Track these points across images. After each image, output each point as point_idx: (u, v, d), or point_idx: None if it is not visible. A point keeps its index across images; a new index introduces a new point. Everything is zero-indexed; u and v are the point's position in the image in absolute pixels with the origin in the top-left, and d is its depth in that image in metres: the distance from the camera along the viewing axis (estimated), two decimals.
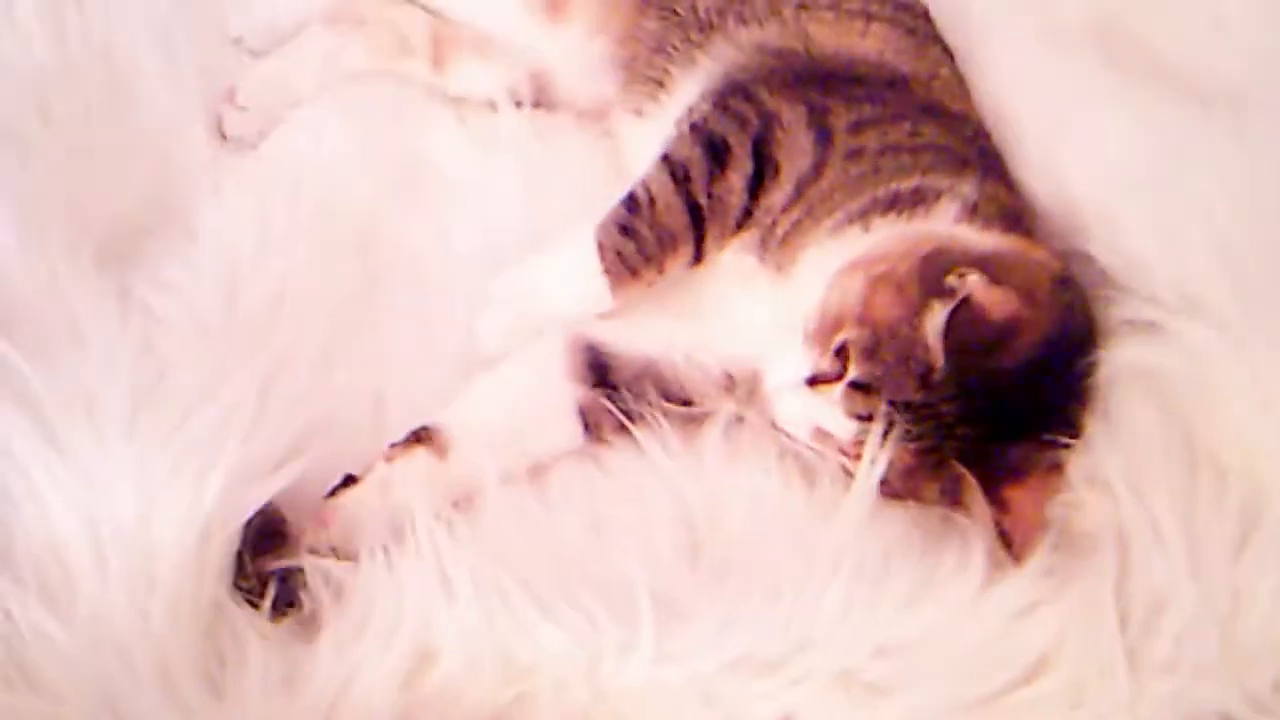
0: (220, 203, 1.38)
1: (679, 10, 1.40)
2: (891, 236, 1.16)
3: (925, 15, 1.40)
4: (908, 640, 1.04)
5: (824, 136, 1.23)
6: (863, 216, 1.19)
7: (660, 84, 1.39)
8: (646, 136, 1.35)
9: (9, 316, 1.15)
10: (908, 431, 1.08)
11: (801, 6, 1.36)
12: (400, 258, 1.39)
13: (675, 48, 1.39)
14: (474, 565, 1.05)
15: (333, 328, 1.30)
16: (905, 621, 1.05)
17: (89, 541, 1.01)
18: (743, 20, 1.36)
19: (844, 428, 1.11)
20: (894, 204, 1.19)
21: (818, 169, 1.22)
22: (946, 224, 1.19)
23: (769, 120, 1.24)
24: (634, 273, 1.20)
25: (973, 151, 1.28)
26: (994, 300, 1.06)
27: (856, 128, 1.24)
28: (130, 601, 1.01)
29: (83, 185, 1.33)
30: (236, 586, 1.06)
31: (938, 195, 1.20)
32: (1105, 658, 1.04)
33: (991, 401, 1.08)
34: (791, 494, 1.20)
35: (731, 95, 1.29)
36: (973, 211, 1.20)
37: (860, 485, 1.12)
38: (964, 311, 1.06)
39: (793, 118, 1.24)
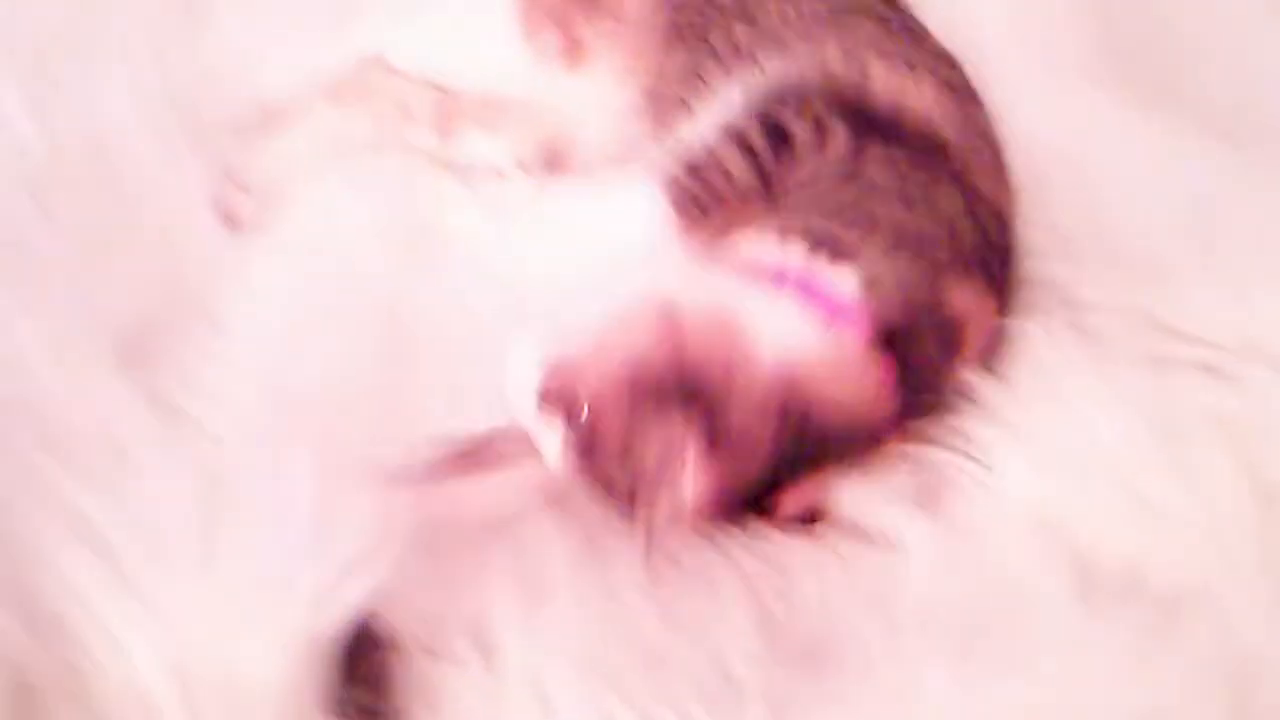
0: (242, 291, 1.34)
1: (710, 40, 1.37)
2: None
3: (960, 68, 1.37)
4: (1019, 713, 1.02)
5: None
6: (784, 236, 1.17)
7: (687, 108, 1.36)
8: None
9: (52, 437, 1.11)
10: None
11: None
12: (427, 332, 1.36)
13: (703, 78, 1.36)
14: (573, 682, 1.01)
15: (372, 415, 1.26)
16: (1014, 700, 1.03)
17: (179, 689, 0.97)
18: (782, 45, 1.33)
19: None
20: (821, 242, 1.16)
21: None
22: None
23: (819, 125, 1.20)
24: (704, 212, 1.16)
25: (970, 241, 1.21)
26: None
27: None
28: None
29: (96, 287, 1.30)
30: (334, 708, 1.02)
31: (853, 255, 1.16)
32: (1215, 713, 1.02)
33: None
34: (853, 558, 1.17)
35: (783, 100, 1.25)
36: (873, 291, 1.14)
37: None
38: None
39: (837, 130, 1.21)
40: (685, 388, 1.06)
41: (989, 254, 1.22)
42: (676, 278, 1.16)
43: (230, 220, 1.42)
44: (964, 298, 1.18)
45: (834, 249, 1.15)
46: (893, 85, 1.28)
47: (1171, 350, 1.20)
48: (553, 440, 1.10)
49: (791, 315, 1.13)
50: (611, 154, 1.46)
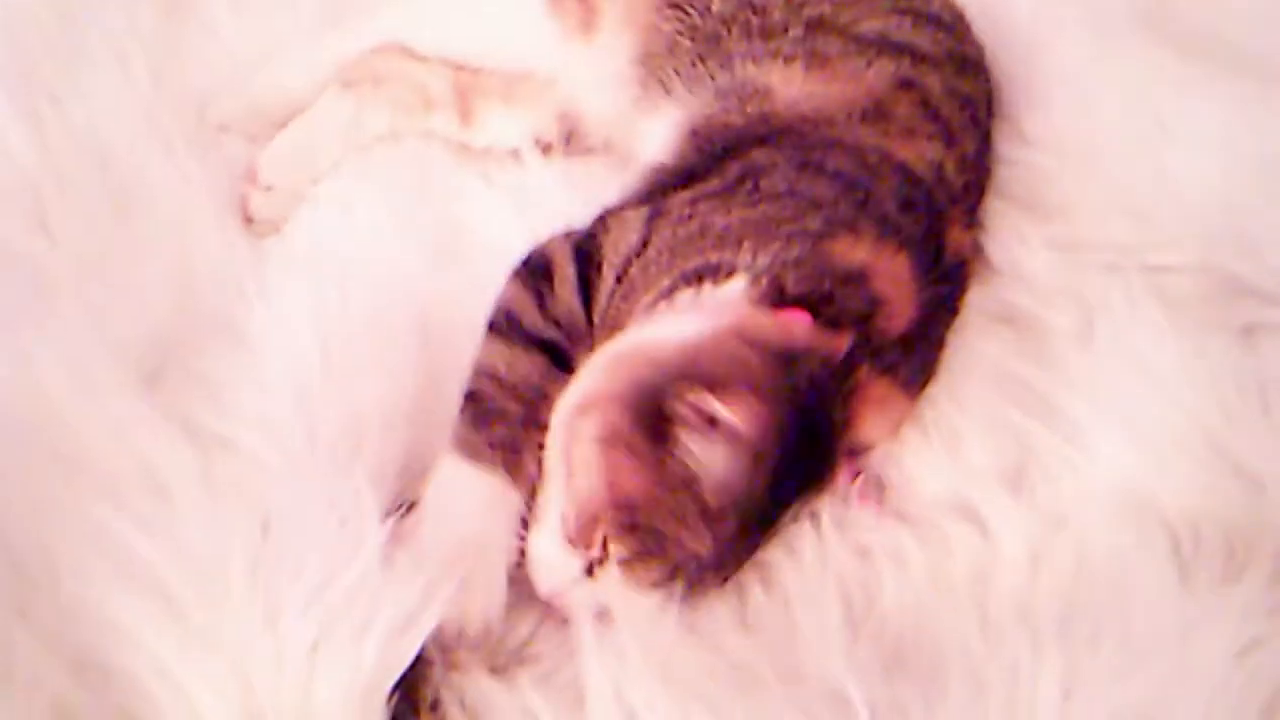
0: (263, 302, 1.27)
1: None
2: (597, 367, 1.06)
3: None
4: (1134, 713, 0.97)
5: (656, 211, 1.17)
6: (669, 294, 1.11)
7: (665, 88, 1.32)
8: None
9: (88, 475, 1.05)
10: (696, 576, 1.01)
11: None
12: (459, 334, 1.27)
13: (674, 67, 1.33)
14: (665, 705, 0.95)
15: (412, 425, 1.18)
16: (1125, 693, 0.97)
17: None
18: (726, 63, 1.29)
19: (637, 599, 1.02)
20: (699, 277, 1.11)
21: (643, 243, 1.15)
22: (738, 302, 1.09)
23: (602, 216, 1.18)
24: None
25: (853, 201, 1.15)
26: (738, 414, 0.98)
27: (703, 195, 1.18)
28: None
29: (107, 305, 1.23)
30: None
31: (730, 271, 1.11)
32: None
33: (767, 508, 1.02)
34: (928, 555, 1.11)
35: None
36: (757, 285, 1.09)
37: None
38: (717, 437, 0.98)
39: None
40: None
41: (890, 206, 1.16)
42: None
43: (252, 222, 1.35)
44: (857, 252, 1.11)
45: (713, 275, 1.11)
46: (793, 92, 1.24)
47: (1256, 313, 1.15)
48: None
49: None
50: (615, 136, 1.41)
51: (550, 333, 1.15)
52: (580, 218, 1.29)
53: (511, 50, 1.40)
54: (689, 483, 0.98)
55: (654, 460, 0.99)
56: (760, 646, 1.06)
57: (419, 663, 1.00)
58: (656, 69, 1.34)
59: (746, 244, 1.11)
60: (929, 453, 1.15)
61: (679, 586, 1.00)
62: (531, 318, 1.15)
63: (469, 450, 1.08)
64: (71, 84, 1.41)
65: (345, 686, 0.94)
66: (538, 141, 1.43)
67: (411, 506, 1.07)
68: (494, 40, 1.41)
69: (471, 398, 1.11)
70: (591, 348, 1.12)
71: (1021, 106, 1.32)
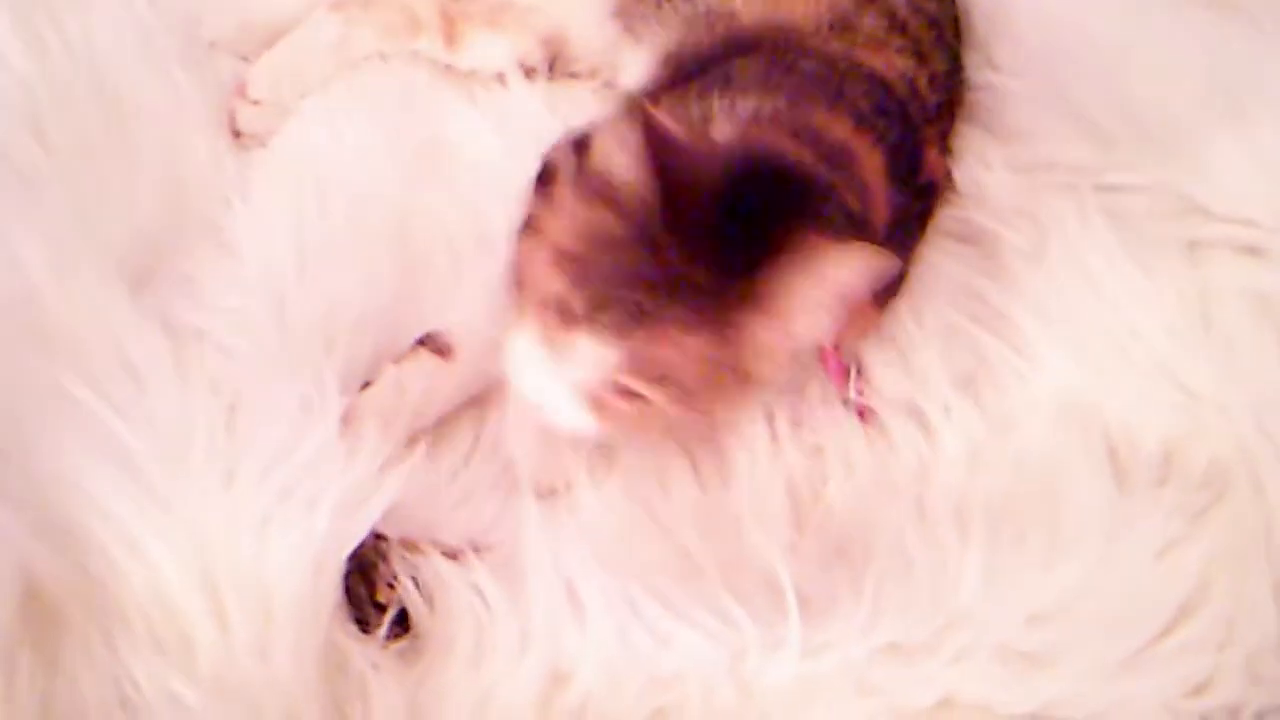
0: (248, 209, 1.31)
1: None
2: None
3: None
4: (1055, 603, 1.01)
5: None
6: None
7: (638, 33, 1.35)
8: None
9: (67, 357, 1.09)
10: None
11: None
12: (437, 245, 1.32)
13: None
14: (600, 579, 0.99)
15: (383, 328, 1.22)
16: (1048, 583, 1.01)
17: (205, 594, 0.96)
18: None
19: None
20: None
21: None
22: None
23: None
24: None
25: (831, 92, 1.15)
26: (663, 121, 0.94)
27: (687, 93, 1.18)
28: (252, 651, 0.96)
29: (98, 209, 1.26)
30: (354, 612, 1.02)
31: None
32: (1253, 592, 1.02)
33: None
34: (875, 455, 1.15)
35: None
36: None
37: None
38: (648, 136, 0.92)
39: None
40: None
41: (864, 105, 1.15)
42: None
43: (240, 135, 1.38)
44: (836, 128, 1.11)
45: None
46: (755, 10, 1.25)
47: (1206, 231, 1.18)
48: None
49: None
50: (600, 63, 1.43)
51: None
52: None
53: None
54: (610, 203, 0.95)
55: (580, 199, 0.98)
56: (706, 535, 1.09)
57: (377, 541, 1.04)
58: (631, 16, 1.36)
59: (720, 102, 1.10)
60: (883, 356, 1.18)
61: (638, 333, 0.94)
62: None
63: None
64: (70, 2, 1.44)
65: (296, 553, 0.98)
66: (521, 65, 1.45)
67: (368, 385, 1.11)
68: None
69: None
70: None
71: (989, 34, 1.34)
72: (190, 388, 1.09)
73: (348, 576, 1.03)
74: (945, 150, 1.28)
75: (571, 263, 0.95)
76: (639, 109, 0.93)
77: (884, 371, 1.17)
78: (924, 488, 1.09)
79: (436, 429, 1.15)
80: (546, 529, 1.06)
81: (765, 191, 0.97)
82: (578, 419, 0.99)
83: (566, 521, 1.08)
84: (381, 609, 1.02)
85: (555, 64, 1.47)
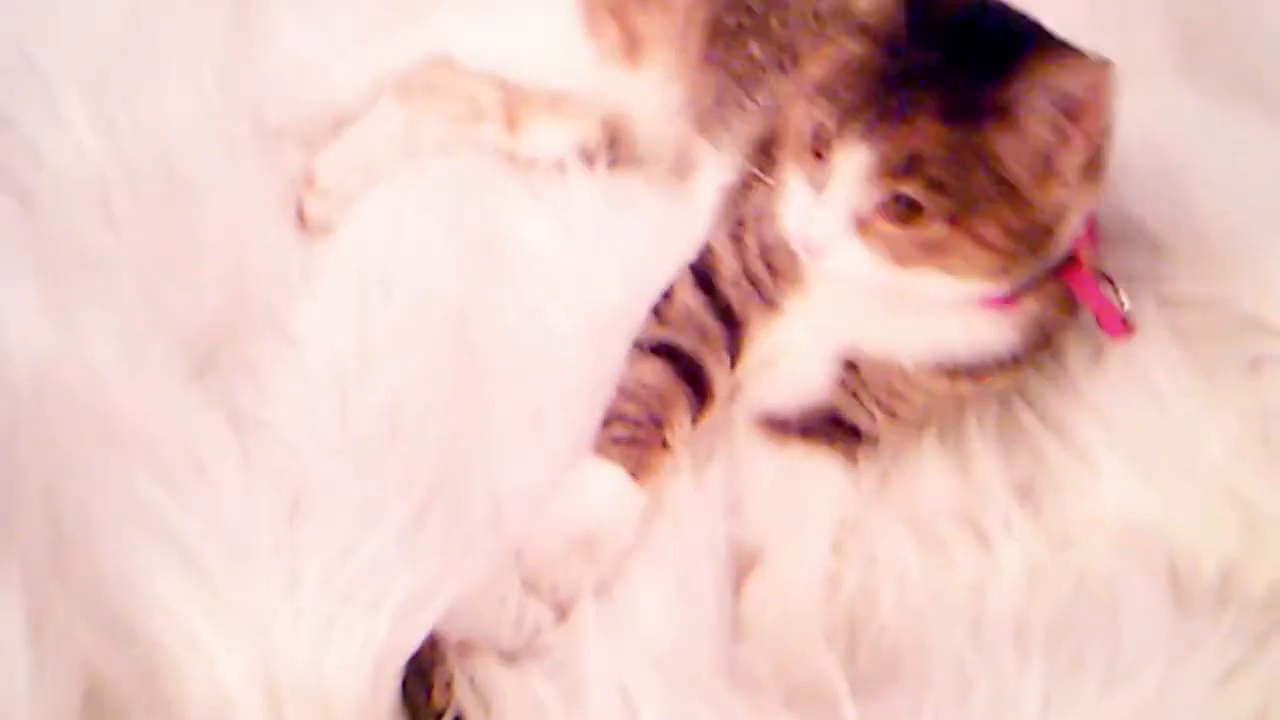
0: (311, 299, 1.33)
1: (734, 65, 1.35)
2: None
3: None
4: None
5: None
6: None
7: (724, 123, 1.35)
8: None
9: (131, 447, 1.11)
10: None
11: None
12: (499, 343, 1.33)
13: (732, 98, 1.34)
14: (657, 687, 1.00)
15: (446, 428, 1.23)
16: (1108, 711, 1.00)
17: (264, 696, 0.97)
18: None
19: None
20: None
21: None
22: None
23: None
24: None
25: None
26: None
27: None
28: None
29: (165, 295, 1.28)
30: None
31: None
32: None
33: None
34: (932, 564, 1.15)
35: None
36: None
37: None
38: None
39: None
40: None
41: None
42: None
43: (307, 224, 1.41)
44: None
45: None
46: None
47: (1268, 347, 1.17)
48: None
49: None
50: (664, 151, 1.45)
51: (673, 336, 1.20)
52: (620, 231, 1.38)
53: (552, 72, 1.44)
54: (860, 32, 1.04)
55: None
56: (761, 648, 1.09)
57: (434, 643, 1.05)
58: (704, 116, 1.38)
59: None
60: (940, 460, 1.18)
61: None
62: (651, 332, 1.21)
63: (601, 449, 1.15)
64: (143, 86, 1.47)
65: (357, 657, 0.98)
66: (582, 151, 1.47)
67: None
68: (535, 61, 1.45)
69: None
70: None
71: None
72: (255, 481, 1.10)
73: (404, 679, 1.02)
74: None
75: (825, 92, 1.01)
76: None
77: (939, 481, 1.16)
78: (981, 607, 1.08)
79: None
80: (603, 633, 1.06)
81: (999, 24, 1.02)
82: (852, 255, 1.01)
83: (624, 626, 1.07)
84: (439, 714, 1.01)
85: (617, 148, 1.48)
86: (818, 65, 1.06)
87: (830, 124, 1.00)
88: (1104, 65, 0.97)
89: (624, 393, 1.18)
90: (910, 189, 0.98)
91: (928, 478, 1.18)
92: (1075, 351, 1.20)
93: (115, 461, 1.10)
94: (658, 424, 1.16)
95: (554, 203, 1.46)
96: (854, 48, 1.02)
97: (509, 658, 1.06)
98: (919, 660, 1.07)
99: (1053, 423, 1.18)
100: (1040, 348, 1.15)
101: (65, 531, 1.03)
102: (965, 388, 1.16)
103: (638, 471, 1.14)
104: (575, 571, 1.11)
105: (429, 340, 1.29)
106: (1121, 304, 1.13)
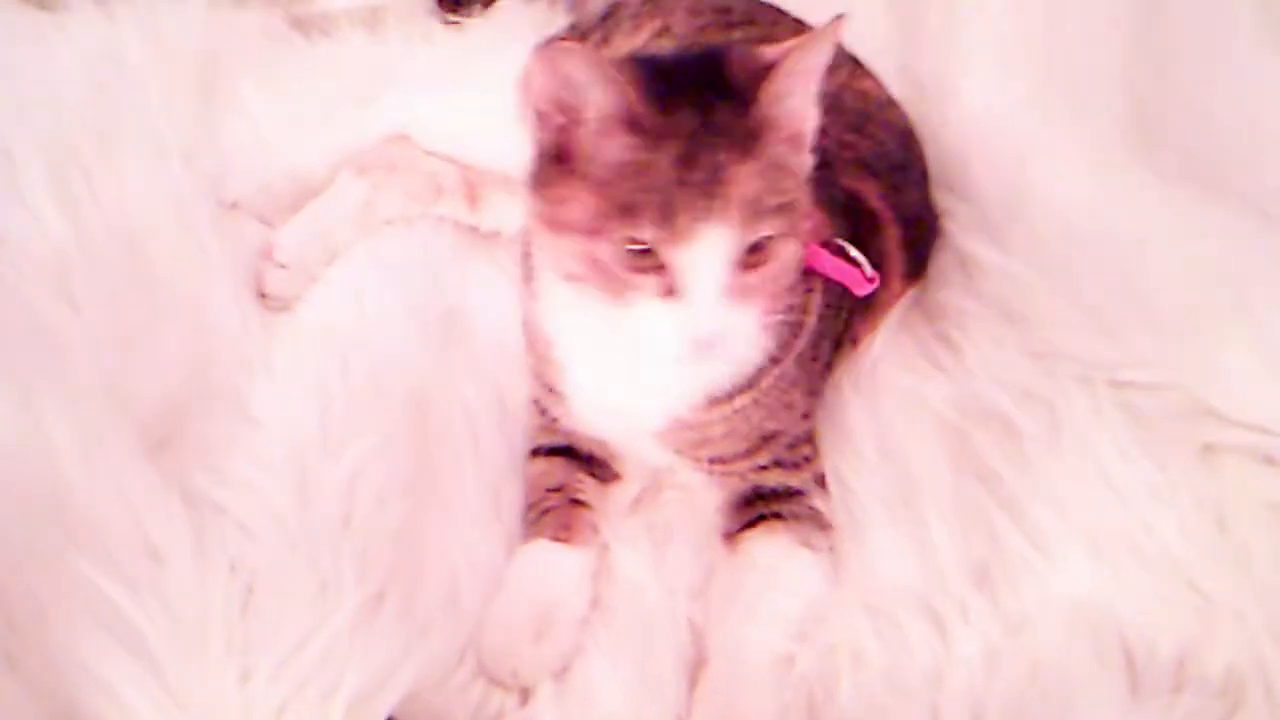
0: (270, 376, 1.32)
1: None
2: None
3: None
4: None
5: None
6: None
7: None
8: None
9: (83, 532, 1.10)
10: None
11: None
12: (458, 420, 1.33)
13: None
14: None
15: (403, 509, 1.23)
16: None
17: None
18: None
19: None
20: None
21: None
22: None
23: None
24: None
25: None
26: None
27: None
28: None
29: (122, 373, 1.28)
30: None
31: None
32: None
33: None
34: (889, 649, 1.14)
35: None
36: None
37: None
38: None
39: None
40: None
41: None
42: None
43: (266, 297, 1.41)
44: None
45: None
46: None
47: (1221, 435, 1.18)
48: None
49: None
50: None
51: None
52: None
53: (496, 152, 1.44)
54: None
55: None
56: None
57: None
58: None
59: None
60: (897, 542, 1.18)
61: None
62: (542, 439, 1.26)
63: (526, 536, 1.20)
64: (106, 162, 1.47)
65: None
66: None
67: None
68: (479, 141, 1.47)
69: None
70: None
71: (1005, 218, 1.37)
72: (209, 566, 1.09)
73: None
74: None
75: (618, 198, 0.98)
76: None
77: (898, 564, 1.17)
78: (938, 693, 1.08)
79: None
80: (557, 714, 1.06)
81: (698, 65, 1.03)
82: (732, 323, 1.00)
83: (577, 710, 1.07)
84: None
85: None
86: (592, 176, 1.00)
87: (649, 233, 0.97)
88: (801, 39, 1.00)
89: (530, 489, 1.24)
90: (766, 228, 0.98)
91: (885, 560, 1.18)
92: (1031, 434, 1.20)
93: (67, 546, 1.09)
94: (562, 490, 1.21)
95: (513, 274, 1.45)
96: (619, 156, 0.99)
97: None
98: None
99: (1008, 505, 1.18)
100: (795, 336, 1.16)
101: (17, 621, 1.02)
102: (745, 400, 1.15)
103: (562, 534, 1.18)
104: (533, 654, 1.12)
105: (388, 419, 1.28)
106: (856, 261, 1.16)
